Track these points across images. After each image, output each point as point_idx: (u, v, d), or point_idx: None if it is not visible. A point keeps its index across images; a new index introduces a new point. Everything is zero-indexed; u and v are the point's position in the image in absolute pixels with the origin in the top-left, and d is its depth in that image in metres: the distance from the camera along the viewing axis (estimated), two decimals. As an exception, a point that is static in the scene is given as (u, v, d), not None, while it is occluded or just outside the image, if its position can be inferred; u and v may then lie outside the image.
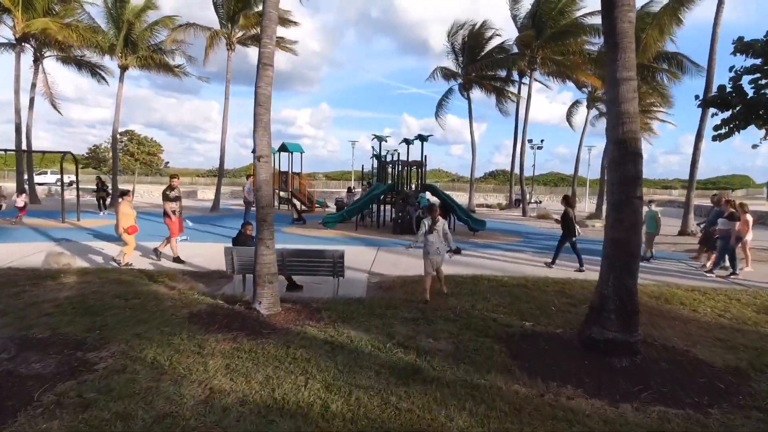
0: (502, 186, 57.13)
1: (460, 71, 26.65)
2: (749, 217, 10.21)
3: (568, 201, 10.28)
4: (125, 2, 20.51)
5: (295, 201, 25.73)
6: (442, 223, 7.45)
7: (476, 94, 31.39)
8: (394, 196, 16.27)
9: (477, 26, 25.14)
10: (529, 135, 34.77)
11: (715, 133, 13.06)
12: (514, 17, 23.20)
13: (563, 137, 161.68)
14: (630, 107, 4.83)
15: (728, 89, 12.68)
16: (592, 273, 8.68)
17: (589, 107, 31.38)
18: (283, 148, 25.76)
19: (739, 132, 13.08)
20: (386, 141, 17.21)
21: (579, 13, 22.20)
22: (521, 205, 26.52)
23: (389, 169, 18.08)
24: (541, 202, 36.47)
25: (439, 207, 8.09)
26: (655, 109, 36.62)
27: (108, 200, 20.57)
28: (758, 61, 12.41)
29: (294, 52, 22.90)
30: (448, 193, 17.77)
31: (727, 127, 12.80)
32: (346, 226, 16.50)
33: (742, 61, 11.53)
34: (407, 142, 17.39)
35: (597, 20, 22.16)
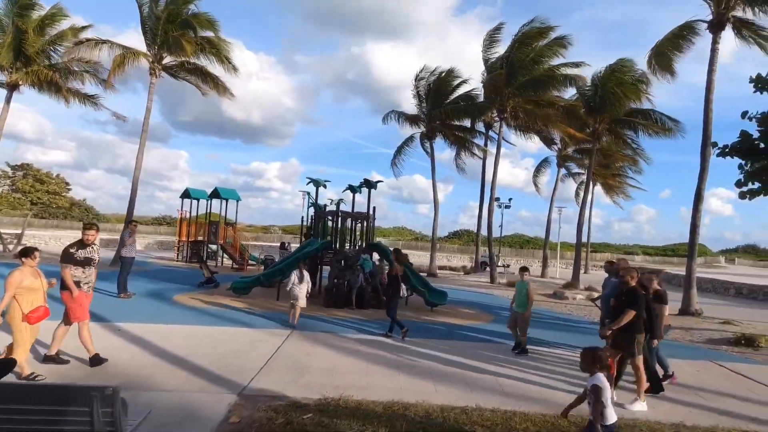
0: (467, 246, 54.53)
1: (423, 117, 24.22)
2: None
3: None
4: (29, 7, 17.00)
5: (218, 259, 21.63)
6: None
7: (445, 154, 29.12)
8: (332, 257, 12.65)
9: (445, 72, 23.05)
10: (504, 201, 32.63)
11: (742, 190, 10.50)
12: (486, 60, 21.28)
13: (525, 201, 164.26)
14: None
15: (755, 135, 10.27)
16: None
17: (559, 165, 29.57)
18: (215, 193, 21.98)
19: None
20: (324, 186, 13.91)
21: (555, 62, 20.37)
22: (488, 270, 23.34)
23: (332, 223, 14.57)
24: (509, 266, 33.60)
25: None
26: (623, 175, 35.49)
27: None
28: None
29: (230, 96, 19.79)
30: (405, 252, 14.36)
31: (757, 182, 10.24)
32: (267, 293, 12.62)
33: (750, 107, 9.15)
34: (353, 189, 14.07)
35: (573, 70, 20.41)
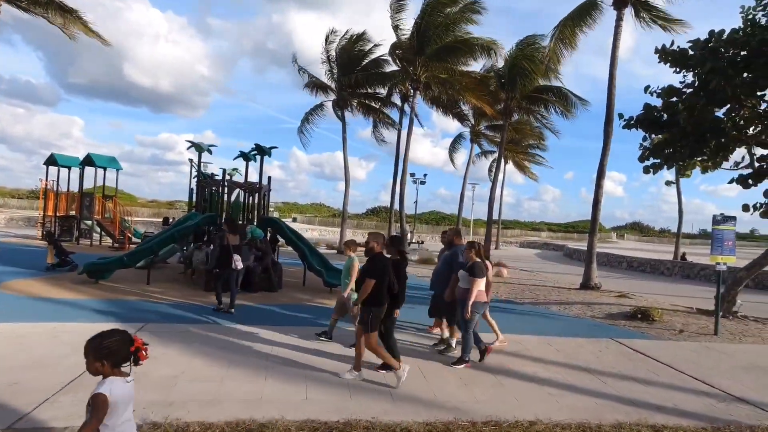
0: (385, 223, 54.31)
1: (333, 85, 22.57)
2: (489, 268, 6.51)
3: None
4: None
5: (92, 236, 18.70)
6: None
7: (368, 131, 27.65)
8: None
9: (356, 36, 21.47)
10: (418, 175, 32.12)
11: (646, 164, 10.40)
12: (395, 27, 20.06)
13: (444, 179, 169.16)
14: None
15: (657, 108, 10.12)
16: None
17: (472, 142, 29.61)
18: (89, 161, 18.77)
19: (680, 163, 10.59)
20: (210, 152, 11.96)
21: (469, 32, 19.63)
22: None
23: (227, 195, 12.69)
24: (422, 242, 33.55)
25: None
26: (532, 153, 36.75)
27: None
28: (689, 76, 10.11)
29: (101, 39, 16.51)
30: (301, 228, 12.86)
31: (660, 157, 10.16)
32: (136, 277, 10.61)
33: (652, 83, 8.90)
34: (246, 157, 12.29)
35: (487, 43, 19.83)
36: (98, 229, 19.14)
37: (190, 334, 6.50)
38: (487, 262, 6.48)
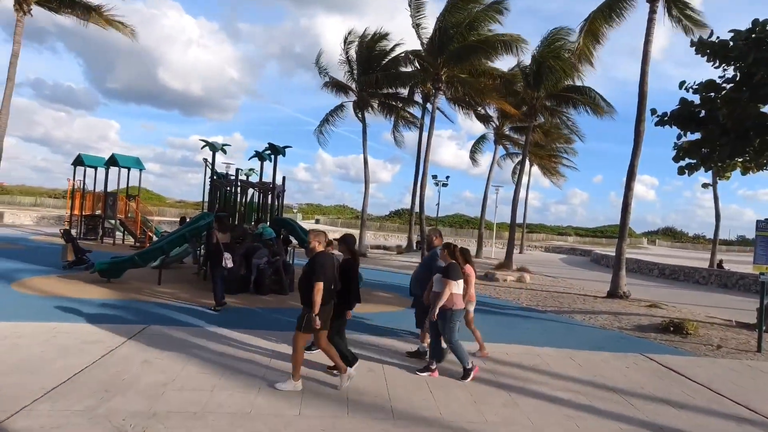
0: (407, 226, 53.87)
1: (354, 86, 22.31)
2: (471, 272, 6.06)
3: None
4: None
5: (115, 235, 18.95)
6: None
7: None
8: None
9: (378, 36, 21.17)
10: (440, 177, 31.58)
11: (681, 165, 9.67)
12: (417, 26, 19.64)
13: (469, 182, 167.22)
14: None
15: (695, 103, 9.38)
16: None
17: (496, 143, 28.88)
18: (113, 161, 19.08)
19: (718, 164, 9.82)
20: (224, 152, 11.83)
21: (492, 30, 19.04)
22: (422, 249, 22.23)
23: (243, 195, 12.56)
24: (444, 245, 32.94)
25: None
26: (558, 156, 35.70)
27: None
28: (729, 71, 9.35)
29: (131, 33, 16.77)
30: (323, 229, 12.72)
31: (696, 156, 9.43)
32: (147, 276, 10.55)
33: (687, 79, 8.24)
34: (261, 157, 12.14)
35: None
36: (121, 228, 19.40)
37: (191, 338, 6.26)
38: (468, 266, 6.05)
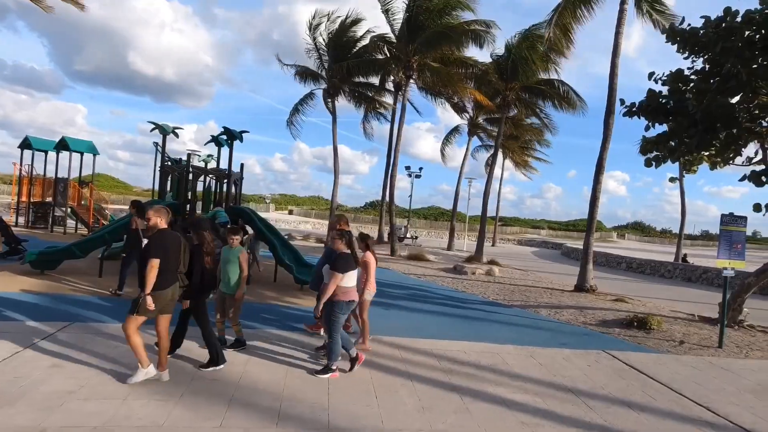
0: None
1: (323, 73, 21.58)
2: (371, 259, 5.84)
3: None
4: None
5: (66, 223, 17.88)
6: None
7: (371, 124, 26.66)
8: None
9: (346, 20, 20.45)
10: (414, 169, 31.17)
11: (648, 157, 9.45)
12: (386, 11, 19.02)
13: (448, 175, 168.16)
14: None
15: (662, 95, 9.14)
16: None
17: (470, 134, 28.61)
18: (63, 144, 17.91)
19: (686, 157, 9.62)
20: (176, 135, 11.06)
21: (464, 18, 18.57)
22: (391, 240, 21.81)
23: (195, 182, 11.81)
24: (417, 237, 32.65)
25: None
26: (530, 148, 35.79)
27: None
28: (699, 62, 9.12)
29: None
30: (297, 221, 12.00)
31: (664, 149, 9.20)
32: (88, 268, 9.76)
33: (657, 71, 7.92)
34: (218, 142, 11.42)
35: (482, 27, 18.80)
36: (73, 217, 18.30)
37: (117, 336, 5.63)
38: (368, 252, 5.80)
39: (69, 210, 18.23)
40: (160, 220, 4.40)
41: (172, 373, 4.56)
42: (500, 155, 33.08)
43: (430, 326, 7.66)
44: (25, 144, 18.44)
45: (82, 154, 18.62)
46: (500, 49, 20.58)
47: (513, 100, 21.92)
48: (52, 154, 18.87)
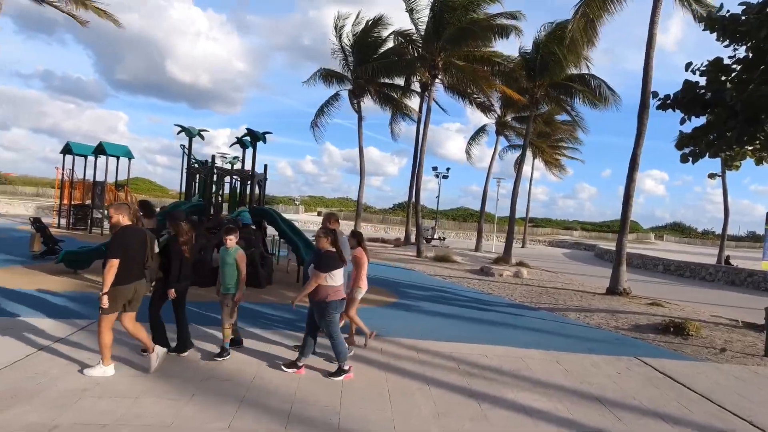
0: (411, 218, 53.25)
1: (349, 75, 21.60)
2: (362, 255, 5.79)
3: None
4: None
5: (103, 225, 18.51)
6: None
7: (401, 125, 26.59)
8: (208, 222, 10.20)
9: (371, 21, 20.42)
10: (442, 170, 30.84)
11: (684, 152, 8.95)
12: (411, 11, 18.85)
13: (478, 176, 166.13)
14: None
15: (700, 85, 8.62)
16: None
17: (497, 133, 28.06)
18: (101, 149, 18.60)
19: (726, 152, 9.07)
20: (202, 138, 11.25)
21: (489, 11, 18.18)
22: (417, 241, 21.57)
23: (220, 183, 12.01)
24: (444, 238, 32.27)
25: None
26: (563, 146, 34.83)
27: None
28: (740, 50, 8.57)
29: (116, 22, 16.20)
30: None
31: (701, 143, 8.69)
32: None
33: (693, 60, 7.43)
34: (242, 144, 11.55)
35: (510, 21, 18.36)
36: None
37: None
38: (360, 249, 5.79)
39: (106, 212, 18.89)
40: (122, 217, 4.40)
41: (186, 371, 4.56)
42: (530, 154, 32.33)
43: (451, 329, 7.46)
44: (67, 150, 19.26)
45: (118, 158, 19.32)
46: (527, 46, 20.14)
47: (542, 97, 21.33)
48: (91, 159, 19.70)
